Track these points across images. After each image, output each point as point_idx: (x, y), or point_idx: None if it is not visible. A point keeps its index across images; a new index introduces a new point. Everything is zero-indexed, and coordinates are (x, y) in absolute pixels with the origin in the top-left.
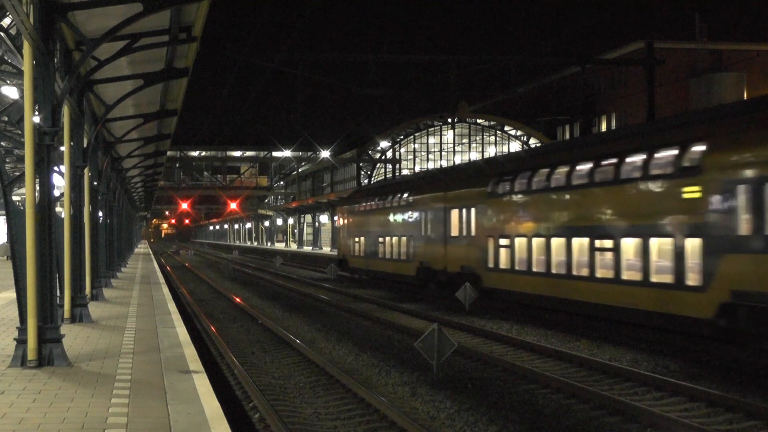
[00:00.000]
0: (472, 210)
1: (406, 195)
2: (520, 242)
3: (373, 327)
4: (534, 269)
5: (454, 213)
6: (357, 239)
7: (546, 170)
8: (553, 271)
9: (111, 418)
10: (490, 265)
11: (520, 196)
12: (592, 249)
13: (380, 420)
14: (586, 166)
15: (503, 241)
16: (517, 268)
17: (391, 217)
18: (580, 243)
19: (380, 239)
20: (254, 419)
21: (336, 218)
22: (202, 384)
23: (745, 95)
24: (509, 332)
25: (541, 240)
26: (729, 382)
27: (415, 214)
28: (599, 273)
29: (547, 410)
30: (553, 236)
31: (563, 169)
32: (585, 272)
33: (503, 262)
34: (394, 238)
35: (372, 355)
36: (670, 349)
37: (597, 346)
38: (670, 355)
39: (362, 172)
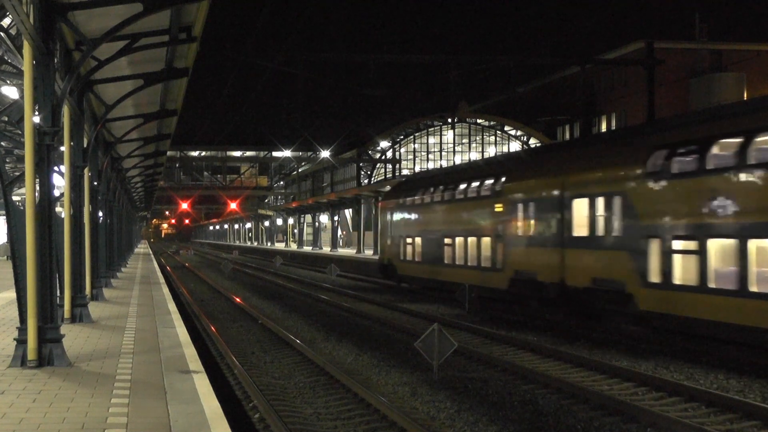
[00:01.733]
0: (616, 199)
1: (491, 182)
2: (723, 246)
3: (373, 327)
4: (755, 288)
5: (580, 204)
6: (410, 240)
7: None
8: None
9: (111, 418)
10: (653, 279)
11: (723, 173)
12: None
13: (380, 420)
14: None
15: (681, 245)
16: (713, 285)
17: (467, 212)
18: None
19: (447, 240)
20: (254, 419)
21: (379, 214)
22: (202, 384)
23: (745, 95)
24: (509, 332)
25: None
26: (728, 381)
27: (509, 207)
28: None
29: (547, 410)
30: None
31: None
32: None
33: (682, 275)
34: (472, 239)
35: (372, 355)
36: (670, 349)
37: (597, 346)
38: (670, 355)
39: (362, 172)
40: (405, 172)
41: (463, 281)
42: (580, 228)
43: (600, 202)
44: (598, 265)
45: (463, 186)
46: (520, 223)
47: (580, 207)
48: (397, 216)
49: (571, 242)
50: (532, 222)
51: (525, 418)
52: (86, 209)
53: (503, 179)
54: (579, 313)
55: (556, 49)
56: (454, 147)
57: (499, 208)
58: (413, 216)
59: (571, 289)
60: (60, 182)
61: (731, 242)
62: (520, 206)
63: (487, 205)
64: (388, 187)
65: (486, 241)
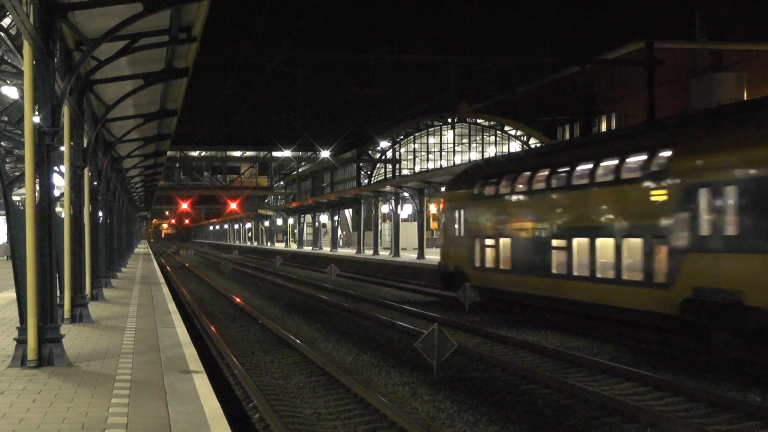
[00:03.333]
0: None
1: (641, 158)
2: None
3: (373, 327)
4: None
5: None
6: (492, 241)
7: None
8: None
9: (111, 418)
10: None
11: None
12: None
13: (380, 420)
14: None
15: None
16: None
17: (595, 202)
18: None
19: (557, 242)
20: (254, 419)
21: (443, 209)
22: (202, 384)
23: (745, 95)
24: (509, 332)
25: None
26: (729, 382)
27: (682, 193)
28: None
29: (547, 410)
30: None
31: None
32: None
33: None
34: (603, 241)
35: (372, 355)
36: (670, 349)
37: (597, 346)
38: (670, 355)
39: (362, 172)
40: (405, 172)
41: (587, 299)
42: None
43: None
44: None
45: (585, 166)
46: (705, 217)
47: None
48: (472, 210)
49: None
50: (732, 215)
51: (525, 418)
52: (86, 209)
53: (668, 153)
54: None
55: (556, 49)
56: (454, 147)
57: (659, 195)
58: (498, 210)
59: None
60: (60, 182)
61: None
62: (705, 192)
63: (635, 191)
64: (450, 176)
65: (633, 243)
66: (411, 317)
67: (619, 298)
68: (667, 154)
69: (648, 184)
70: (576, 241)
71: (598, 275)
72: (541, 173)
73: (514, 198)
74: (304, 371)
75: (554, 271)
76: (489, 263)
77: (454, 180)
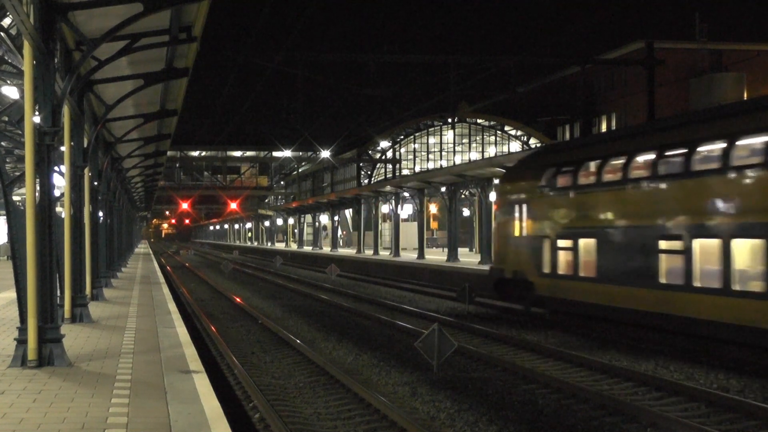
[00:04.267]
0: None
1: None
2: None
3: (373, 327)
4: None
5: None
6: (568, 242)
7: None
8: None
9: (111, 418)
10: None
11: None
12: None
13: (380, 420)
14: None
15: None
16: None
17: (731, 193)
18: None
19: (666, 244)
20: (254, 419)
21: (497, 205)
22: (202, 384)
23: (745, 95)
24: (509, 332)
25: None
26: (729, 382)
27: None
28: None
29: (547, 410)
30: None
31: None
32: None
33: None
34: (741, 243)
35: (372, 355)
36: (670, 349)
37: (597, 346)
38: (670, 355)
39: (362, 172)
40: (405, 172)
41: (718, 318)
42: None
43: None
44: None
45: (710, 147)
46: None
47: None
48: (540, 205)
49: None
50: None
51: (525, 418)
52: (86, 209)
53: None
54: None
55: (556, 49)
56: (454, 147)
57: None
58: (580, 204)
59: None
60: (60, 182)
61: None
62: None
63: None
64: (509, 163)
65: None
66: (411, 317)
67: None
68: None
69: None
70: (697, 243)
71: (737, 287)
72: (644, 157)
73: (604, 189)
74: (305, 371)
75: (662, 280)
76: (562, 269)
77: (513, 169)
